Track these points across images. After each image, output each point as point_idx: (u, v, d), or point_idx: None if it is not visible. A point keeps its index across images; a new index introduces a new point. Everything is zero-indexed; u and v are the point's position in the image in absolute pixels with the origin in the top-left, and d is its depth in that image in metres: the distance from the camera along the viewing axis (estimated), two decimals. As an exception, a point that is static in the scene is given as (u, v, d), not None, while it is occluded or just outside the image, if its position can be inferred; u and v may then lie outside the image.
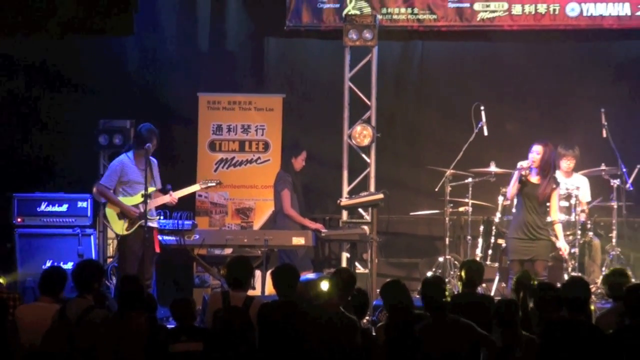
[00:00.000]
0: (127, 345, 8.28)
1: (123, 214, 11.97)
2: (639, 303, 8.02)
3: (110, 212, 12.06)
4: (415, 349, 8.03)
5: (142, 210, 11.96)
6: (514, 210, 12.39)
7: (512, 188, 11.89)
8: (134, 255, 12.09)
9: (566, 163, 12.92)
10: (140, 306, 8.63)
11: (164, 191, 12.11)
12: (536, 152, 11.71)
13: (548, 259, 11.96)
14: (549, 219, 12.17)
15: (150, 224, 11.98)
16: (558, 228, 11.94)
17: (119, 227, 12.07)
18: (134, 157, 11.96)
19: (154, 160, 12.04)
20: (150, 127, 12.05)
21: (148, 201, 11.85)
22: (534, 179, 11.74)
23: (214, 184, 13.07)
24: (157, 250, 12.15)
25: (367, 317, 9.83)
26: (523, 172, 11.72)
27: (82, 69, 14.80)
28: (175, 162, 13.92)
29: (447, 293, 8.62)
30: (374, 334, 8.77)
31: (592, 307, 9.24)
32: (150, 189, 12.01)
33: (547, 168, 11.79)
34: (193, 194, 13.55)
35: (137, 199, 11.95)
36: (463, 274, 9.32)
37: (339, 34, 14.22)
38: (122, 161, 12.04)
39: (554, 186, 11.85)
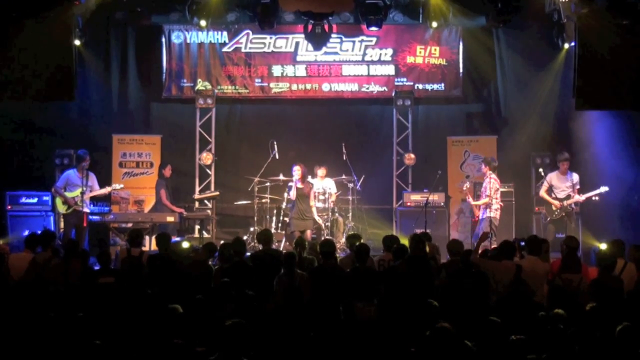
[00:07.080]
0: (69, 277, 9.69)
1: (65, 202, 14.81)
2: (362, 254, 10.03)
3: (58, 201, 14.94)
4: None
5: (75, 200, 14.67)
6: (290, 203, 15.10)
7: (292, 193, 14.76)
8: (69, 225, 14.87)
9: (320, 172, 15.58)
10: (77, 255, 10.32)
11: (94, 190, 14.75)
12: (296, 169, 14.76)
13: (313, 230, 14.85)
14: (320, 205, 15.15)
15: (82, 209, 14.72)
16: (314, 210, 14.89)
17: (62, 208, 14.90)
18: (77, 170, 14.91)
19: (92, 174, 14.88)
20: (84, 152, 14.90)
21: (84, 195, 14.71)
22: (300, 185, 14.80)
23: (118, 187, 15.76)
24: (85, 224, 14.80)
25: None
26: (296, 184, 14.58)
27: (50, 123, 17.05)
28: (99, 174, 15.84)
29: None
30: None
31: (337, 255, 11.21)
32: (79, 190, 14.64)
33: (305, 177, 14.81)
34: (110, 192, 15.94)
35: (75, 194, 14.76)
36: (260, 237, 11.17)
37: (193, 100, 17.50)
38: (69, 173, 14.98)
39: (311, 186, 14.91)
